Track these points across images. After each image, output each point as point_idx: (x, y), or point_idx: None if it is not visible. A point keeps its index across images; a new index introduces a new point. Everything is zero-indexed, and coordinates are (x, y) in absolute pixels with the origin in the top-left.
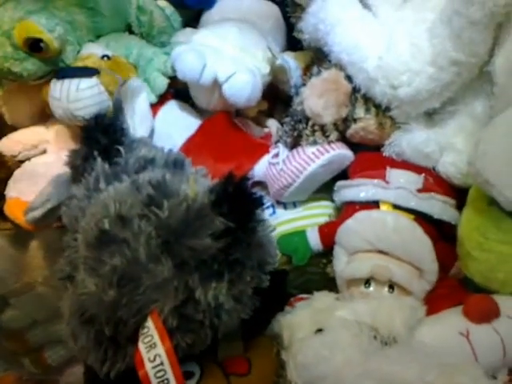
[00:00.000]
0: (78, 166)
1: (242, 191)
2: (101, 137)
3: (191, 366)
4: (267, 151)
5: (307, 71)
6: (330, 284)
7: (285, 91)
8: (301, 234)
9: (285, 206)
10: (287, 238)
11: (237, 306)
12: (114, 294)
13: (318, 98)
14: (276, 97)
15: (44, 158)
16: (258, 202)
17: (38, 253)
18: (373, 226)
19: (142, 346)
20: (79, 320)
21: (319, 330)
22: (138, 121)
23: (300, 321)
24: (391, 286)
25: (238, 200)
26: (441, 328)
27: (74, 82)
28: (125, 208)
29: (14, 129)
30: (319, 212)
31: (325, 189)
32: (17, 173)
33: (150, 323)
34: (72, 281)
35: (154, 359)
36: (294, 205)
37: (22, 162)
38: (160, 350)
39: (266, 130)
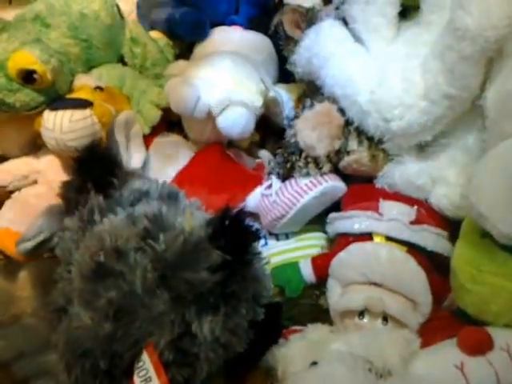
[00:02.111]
0: (71, 198)
1: (239, 224)
2: (94, 168)
3: None
4: (260, 182)
5: (299, 103)
6: (322, 316)
7: (277, 123)
8: (293, 265)
9: (277, 237)
10: (280, 270)
11: (232, 339)
12: (109, 327)
13: (311, 130)
14: (268, 128)
15: (35, 189)
16: (255, 235)
17: (26, 284)
18: (366, 258)
19: (137, 380)
20: (74, 353)
21: (314, 363)
22: (131, 152)
23: (294, 354)
24: (385, 318)
25: (235, 233)
26: (435, 360)
27: (68, 113)
28: (121, 241)
29: (4, 159)
30: (312, 243)
31: (317, 220)
32: (7, 203)
33: (145, 357)
34: (65, 313)
35: None
36: (287, 236)
37: (11, 192)
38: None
39: (258, 160)
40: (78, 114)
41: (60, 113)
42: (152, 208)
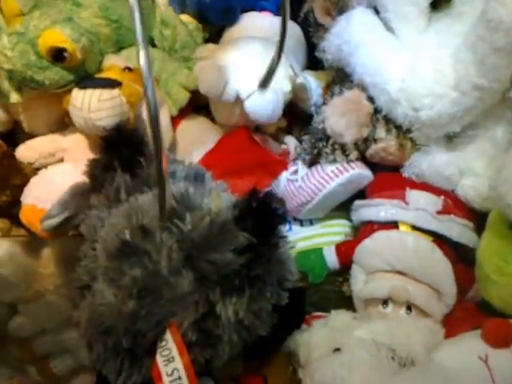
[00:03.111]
0: (98, 176)
1: (266, 207)
2: (122, 147)
3: (206, 381)
4: (285, 168)
5: (328, 90)
6: (345, 302)
7: (304, 109)
8: (318, 251)
9: (301, 222)
10: (304, 256)
11: (256, 322)
12: (133, 305)
13: (339, 117)
14: (295, 115)
15: (61, 167)
16: (282, 218)
17: (50, 261)
18: (392, 246)
19: (159, 360)
20: (97, 330)
21: (337, 350)
22: None
23: (317, 340)
24: (409, 307)
25: (262, 215)
26: (459, 351)
27: (96, 92)
28: (147, 219)
29: (31, 136)
30: (336, 230)
31: (342, 207)
32: (33, 180)
33: (168, 336)
34: (89, 290)
35: (172, 373)
36: (311, 222)
37: (38, 169)
38: (178, 364)
39: (284, 146)
40: (107, 93)
41: (89, 91)
42: (178, 188)
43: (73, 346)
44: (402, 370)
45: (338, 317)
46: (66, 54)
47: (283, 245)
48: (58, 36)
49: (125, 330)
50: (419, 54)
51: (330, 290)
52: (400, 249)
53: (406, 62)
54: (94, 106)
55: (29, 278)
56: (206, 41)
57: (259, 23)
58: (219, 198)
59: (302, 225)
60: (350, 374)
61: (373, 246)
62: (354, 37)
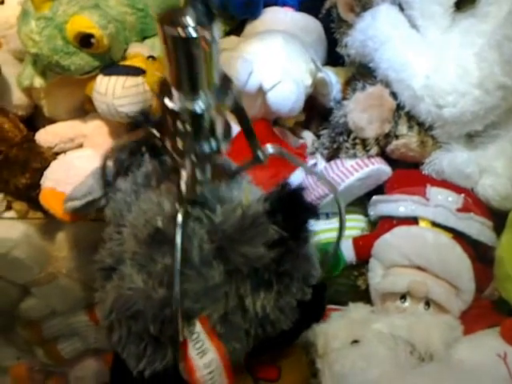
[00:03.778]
0: (124, 160)
1: (297, 200)
2: (149, 132)
3: None
4: (304, 160)
5: (347, 86)
6: (357, 296)
7: (322, 104)
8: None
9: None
10: (321, 248)
11: (281, 317)
12: (163, 292)
13: (362, 112)
14: (312, 109)
15: (81, 152)
16: (313, 212)
17: (64, 244)
18: (412, 241)
19: (193, 352)
20: (123, 313)
21: (355, 342)
22: None
23: (336, 331)
24: (427, 303)
25: (293, 209)
26: (478, 348)
27: (121, 79)
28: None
29: (50, 122)
30: (352, 225)
31: (357, 202)
32: (54, 164)
33: (199, 329)
34: (115, 272)
35: (208, 365)
36: (327, 215)
37: (57, 154)
38: (213, 355)
39: (301, 141)
40: (131, 80)
41: (113, 78)
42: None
43: (81, 330)
44: (420, 365)
45: (357, 309)
46: (93, 40)
47: (311, 240)
48: (86, 22)
49: (153, 317)
50: (444, 52)
51: (344, 283)
52: (420, 244)
53: (431, 59)
54: (118, 93)
55: (43, 260)
56: (227, 33)
57: (281, 18)
58: (250, 191)
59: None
60: (368, 366)
61: (393, 241)
62: (380, 32)
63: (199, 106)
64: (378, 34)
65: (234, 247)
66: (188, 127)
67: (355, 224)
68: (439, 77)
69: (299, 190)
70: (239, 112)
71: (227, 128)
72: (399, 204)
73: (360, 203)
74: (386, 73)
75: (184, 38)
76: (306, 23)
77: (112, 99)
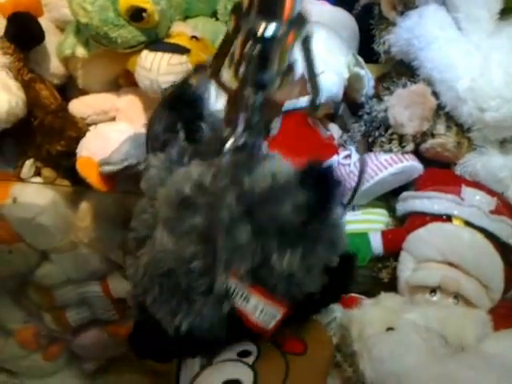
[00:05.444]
0: (159, 134)
1: (327, 174)
2: (185, 109)
3: (248, 345)
4: (337, 152)
5: (379, 83)
6: (379, 288)
7: (351, 98)
8: (363, 236)
9: (344, 206)
10: (349, 238)
11: (307, 278)
12: (192, 250)
13: (403, 108)
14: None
15: (116, 125)
16: (339, 185)
17: (87, 215)
18: (447, 238)
19: (239, 302)
20: (155, 272)
21: (390, 329)
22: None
23: (371, 318)
24: (456, 297)
25: (322, 180)
26: (509, 342)
27: (166, 56)
28: (207, 177)
29: (83, 93)
30: (376, 218)
31: (382, 198)
32: (90, 134)
33: (233, 282)
34: (146, 241)
35: (256, 307)
36: (353, 208)
37: (88, 125)
38: (255, 298)
39: (329, 133)
40: (176, 58)
41: (159, 54)
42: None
43: (91, 300)
44: (457, 354)
45: (389, 299)
46: (144, 15)
47: (337, 213)
48: None
49: (184, 272)
50: (490, 57)
51: (366, 274)
52: (456, 241)
53: (477, 63)
54: (163, 69)
55: (66, 228)
56: None
57: (318, 11)
58: (281, 164)
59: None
60: (406, 352)
61: (427, 236)
62: (427, 32)
63: (274, 29)
64: (424, 33)
65: (263, 206)
66: (256, 51)
67: (380, 218)
68: (484, 81)
69: (330, 166)
70: (307, 48)
71: (291, 68)
72: (433, 201)
73: (384, 198)
74: (430, 72)
75: None
76: (342, 18)
77: (156, 75)
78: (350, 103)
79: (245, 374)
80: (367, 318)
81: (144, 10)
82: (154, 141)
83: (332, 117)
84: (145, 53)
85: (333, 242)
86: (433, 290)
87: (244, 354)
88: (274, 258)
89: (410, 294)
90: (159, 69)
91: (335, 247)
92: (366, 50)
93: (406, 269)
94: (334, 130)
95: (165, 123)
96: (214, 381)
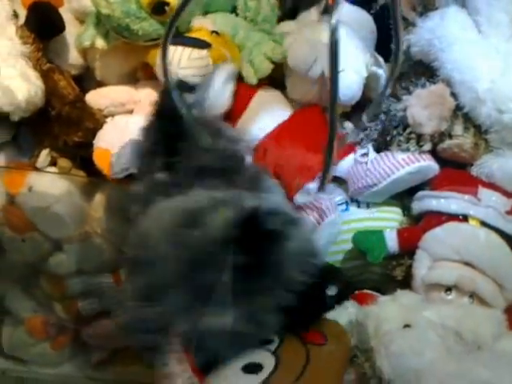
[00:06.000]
0: (147, 151)
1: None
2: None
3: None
4: (353, 149)
5: (396, 83)
6: (392, 286)
7: (367, 97)
8: (378, 233)
9: (358, 204)
10: (364, 235)
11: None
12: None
13: (422, 108)
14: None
15: (135, 118)
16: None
17: (101, 205)
18: (464, 238)
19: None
20: None
21: (407, 326)
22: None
23: (388, 314)
24: (471, 297)
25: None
26: None
27: (187, 50)
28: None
29: (100, 84)
30: (391, 217)
31: (396, 197)
32: (107, 126)
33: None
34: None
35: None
36: (367, 205)
37: (105, 117)
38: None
39: (343, 131)
40: (197, 52)
41: (180, 48)
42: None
43: (103, 291)
44: (474, 353)
45: (406, 296)
46: (166, 8)
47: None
48: None
49: None
50: (510, 59)
51: (376, 271)
52: (472, 241)
53: (497, 65)
54: (183, 63)
55: (80, 218)
56: (280, 18)
57: None
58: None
59: (358, 206)
60: (424, 349)
61: (444, 236)
62: (448, 33)
63: None
64: (446, 34)
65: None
66: None
67: (394, 216)
68: (505, 82)
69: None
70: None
71: None
72: (450, 201)
73: (399, 197)
74: (450, 73)
75: None
76: (360, 17)
77: (177, 69)
78: (366, 102)
79: (266, 358)
80: (384, 315)
81: (166, 4)
82: (143, 157)
83: (347, 115)
84: None
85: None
86: (448, 289)
87: (265, 341)
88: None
89: (425, 292)
90: (180, 63)
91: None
92: (383, 50)
93: (422, 267)
94: (349, 127)
95: (152, 139)
96: (236, 364)
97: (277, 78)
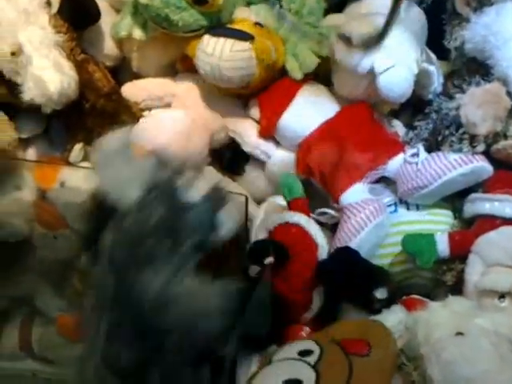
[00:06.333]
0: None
1: None
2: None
3: (309, 344)
4: (403, 149)
5: (449, 80)
6: (438, 291)
7: (418, 95)
8: (429, 237)
9: (408, 206)
10: (414, 238)
11: None
12: None
13: (477, 107)
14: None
15: (173, 112)
16: None
17: None
18: None
19: None
20: None
21: (459, 334)
22: None
23: (438, 321)
24: None
25: None
26: None
27: (229, 41)
28: None
29: (136, 76)
30: (443, 220)
31: (447, 199)
32: (144, 120)
33: None
34: None
35: None
36: (417, 207)
37: (142, 110)
38: None
39: (393, 129)
40: (240, 44)
41: (222, 40)
42: None
43: None
44: None
45: (458, 302)
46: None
47: None
48: None
49: None
50: None
51: (429, 277)
52: None
53: None
54: (225, 55)
55: None
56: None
57: (386, 3)
58: None
59: (408, 208)
60: (476, 357)
61: (499, 240)
62: (504, 29)
63: None
64: (502, 30)
65: None
66: None
67: (445, 219)
68: None
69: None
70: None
71: None
72: (505, 204)
73: (450, 200)
74: (505, 71)
75: None
76: (411, 12)
77: (218, 61)
78: (417, 100)
79: (306, 374)
80: (435, 321)
81: None
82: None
83: (396, 113)
84: (206, 37)
85: None
86: (502, 296)
87: (305, 353)
88: None
89: (478, 298)
90: (222, 54)
91: None
92: (434, 45)
93: (475, 272)
94: (398, 126)
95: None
96: (274, 380)
97: (321, 74)
